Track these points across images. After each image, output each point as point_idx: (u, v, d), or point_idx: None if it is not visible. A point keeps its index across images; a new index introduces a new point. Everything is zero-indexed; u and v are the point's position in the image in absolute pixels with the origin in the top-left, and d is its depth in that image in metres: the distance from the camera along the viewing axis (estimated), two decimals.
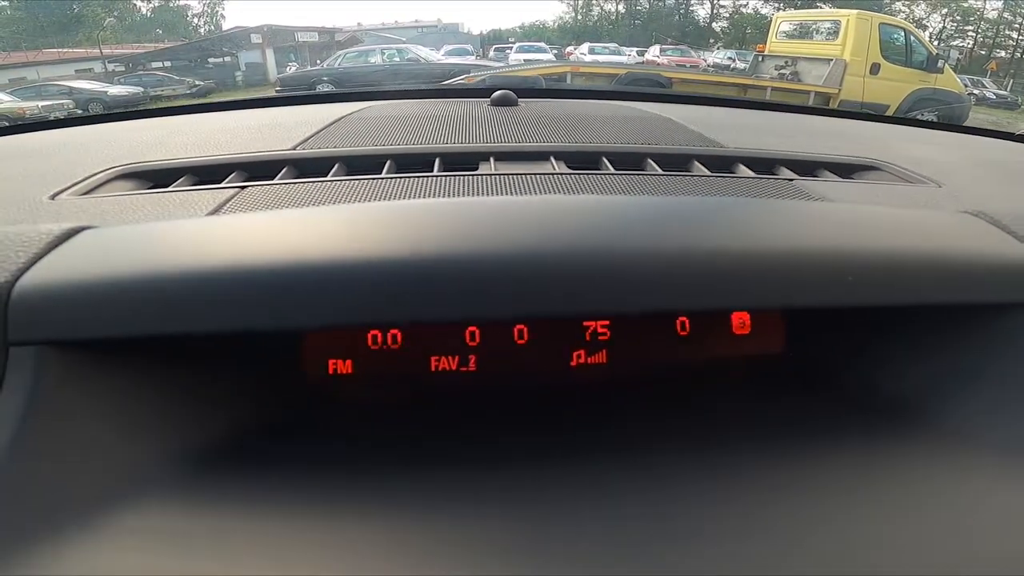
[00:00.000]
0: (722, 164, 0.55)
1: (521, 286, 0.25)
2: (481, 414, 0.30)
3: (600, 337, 0.33)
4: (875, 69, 5.97)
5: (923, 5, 22.17)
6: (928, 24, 21.91)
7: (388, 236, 0.26)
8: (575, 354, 0.33)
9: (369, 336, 0.32)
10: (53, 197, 0.44)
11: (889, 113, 5.04)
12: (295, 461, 0.26)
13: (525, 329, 0.33)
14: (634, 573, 0.20)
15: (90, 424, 0.24)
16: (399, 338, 0.33)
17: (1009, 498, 0.24)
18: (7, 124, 0.85)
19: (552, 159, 0.53)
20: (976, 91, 11.84)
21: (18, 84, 11.37)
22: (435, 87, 0.95)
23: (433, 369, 0.33)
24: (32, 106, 8.29)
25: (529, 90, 0.92)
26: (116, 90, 10.56)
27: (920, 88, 6.10)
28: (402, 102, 0.85)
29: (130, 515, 0.22)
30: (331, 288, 0.24)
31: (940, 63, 6.31)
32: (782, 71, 6.44)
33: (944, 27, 22.29)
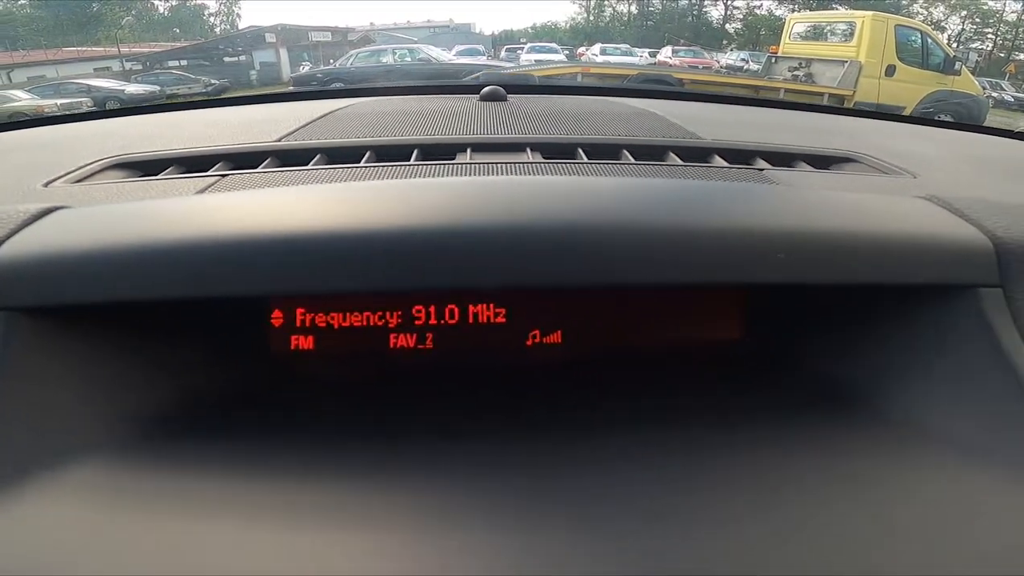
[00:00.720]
0: (697, 155, 0.55)
1: (474, 258, 0.26)
2: (436, 391, 0.31)
3: (555, 317, 0.34)
4: (891, 71, 5.89)
5: (941, 7, 21.84)
6: (947, 26, 21.58)
7: (347, 209, 0.28)
8: (531, 334, 0.34)
9: (331, 314, 0.34)
10: (46, 185, 0.46)
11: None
12: (250, 431, 0.27)
13: (482, 308, 0.34)
14: (584, 547, 0.20)
15: (51, 387, 0.26)
16: (359, 316, 0.34)
17: (958, 484, 0.24)
18: (18, 120, 0.88)
19: (528, 150, 0.54)
20: (995, 94, 11.62)
21: (38, 82, 11.58)
22: (426, 83, 0.96)
23: (392, 346, 0.34)
24: (51, 104, 8.43)
25: (521, 86, 0.92)
26: (133, 88, 10.71)
27: (937, 90, 6.01)
28: (393, 98, 0.86)
29: (79, 473, 0.23)
30: (286, 257, 0.25)
31: (957, 65, 6.21)
32: (795, 72, 6.38)
33: (963, 29, 21.92)
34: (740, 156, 0.55)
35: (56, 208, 0.31)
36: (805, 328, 0.34)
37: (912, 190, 0.47)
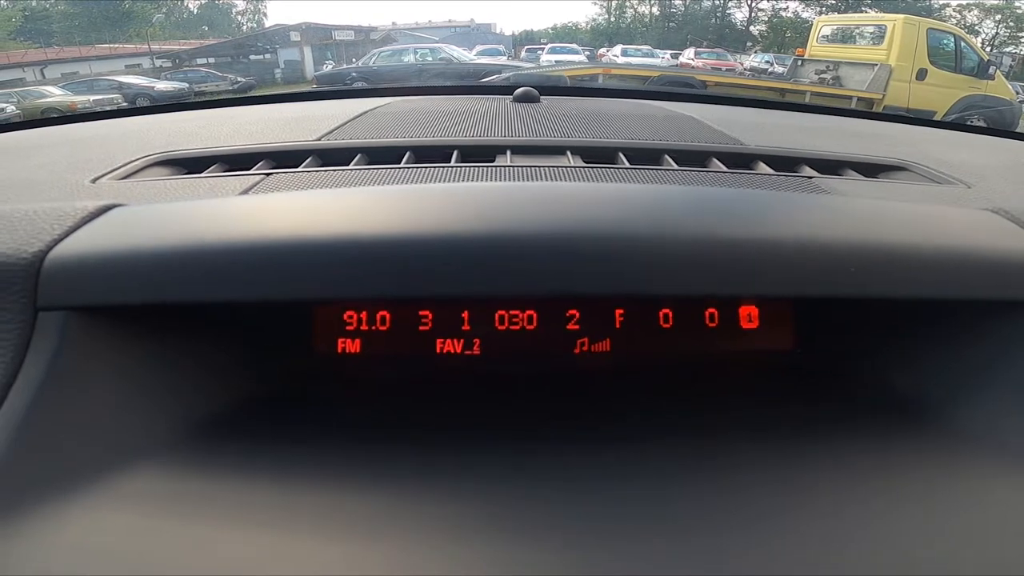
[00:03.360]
0: (741, 161, 0.54)
1: (528, 264, 0.25)
2: (482, 397, 0.31)
3: (604, 325, 0.34)
4: (922, 75, 5.75)
5: (975, 11, 21.27)
6: (980, 30, 20.99)
7: (394, 215, 0.27)
8: (579, 341, 0.34)
9: (378, 317, 0.33)
10: (94, 181, 0.47)
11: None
12: (297, 434, 0.27)
13: (530, 315, 0.33)
14: (628, 558, 0.20)
15: (106, 388, 0.26)
16: (407, 320, 0.34)
17: (1018, 501, 0.23)
18: (58, 115, 0.90)
19: (568, 153, 0.54)
20: None
21: (71, 78, 11.92)
22: (459, 84, 0.96)
23: (438, 352, 0.33)
24: (83, 100, 8.66)
25: (553, 88, 0.92)
26: (162, 85, 10.95)
27: (969, 95, 5.85)
28: (426, 98, 0.86)
29: (132, 478, 0.23)
30: (339, 262, 0.25)
31: (991, 69, 6.04)
32: (823, 75, 6.26)
33: (997, 33, 21.32)
34: (786, 163, 0.54)
35: (112, 206, 0.31)
36: (858, 341, 0.33)
37: (969, 201, 0.45)
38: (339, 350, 0.33)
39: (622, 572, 0.20)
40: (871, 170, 0.55)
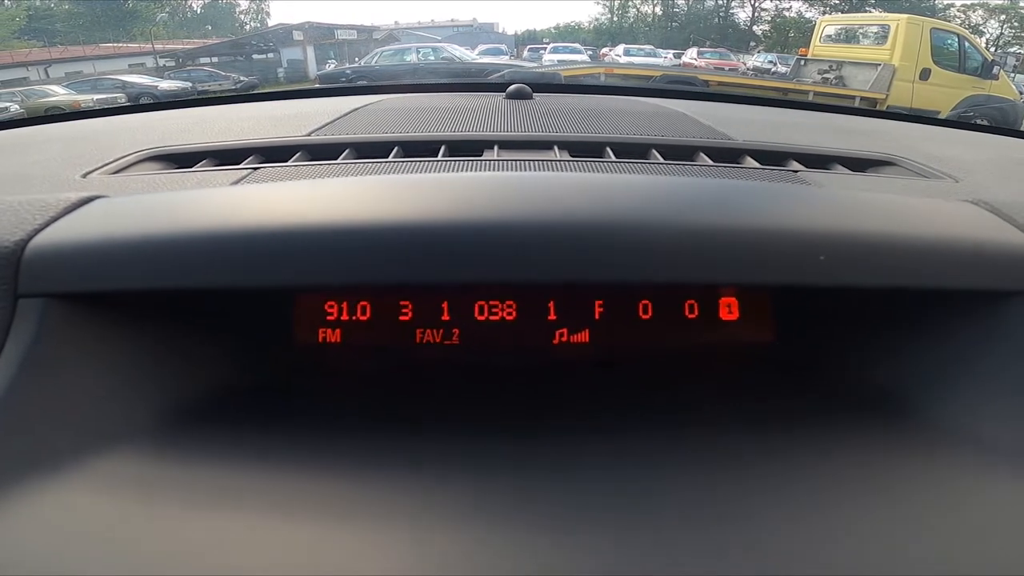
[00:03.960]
0: (729, 156, 0.54)
1: (505, 252, 0.25)
2: (462, 387, 0.31)
3: (583, 317, 0.34)
4: (925, 74, 5.72)
5: (980, 11, 21.17)
6: (985, 30, 20.89)
7: (375, 203, 0.28)
8: (558, 332, 0.34)
9: (358, 307, 0.34)
10: (85, 176, 0.47)
11: None
12: (277, 423, 0.28)
13: (509, 305, 0.33)
14: (607, 549, 0.20)
15: (85, 375, 0.26)
16: (387, 310, 0.34)
17: (996, 495, 0.23)
18: (55, 113, 0.91)
19: (555, 147, 0.54)
20: None
21: (75, 78, 11.95)
22: (452, 82, 0.96)
23: (418, 341, 0.34)
24: (87, 99, 8.68)
25: (547, 85, 0.92)
26: (166, 85, 10.97)
27: (973, 95, 5.83)
28: (419, 95, 0.86)
29: (110, 463, 0.23)
30: (320, 248, 0.25)
31: (995, 69, 6.01)
32: (825, 75, 6.23)
33: (1001, 33, 21.21)
34: (773, 157, 0.54)
35: (95, 197, 0.31)
36: (843, 333, 0.33)
37: (955, 194, 0.45)
38: (319, 340, 0.34)
39: (600, 562, 0.20)
40: (859, 165, 0.55)
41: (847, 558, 0.20)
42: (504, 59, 10.33)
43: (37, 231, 0.27)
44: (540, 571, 0.19)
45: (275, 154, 0.53)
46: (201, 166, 0.51)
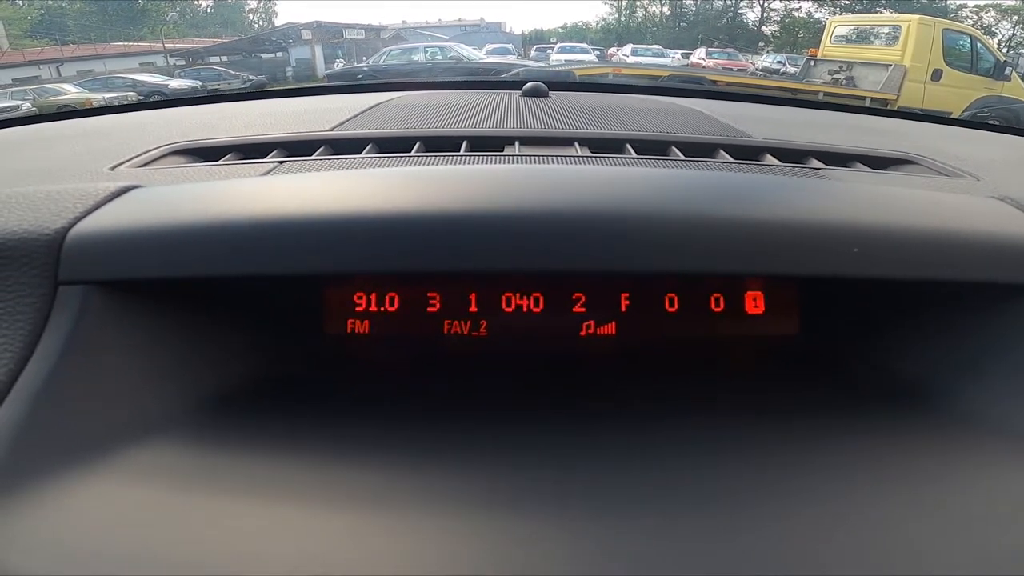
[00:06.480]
0: (749, 153, 0.54)
1: (533, 241, 0.26)
2: (489, 378, 0.32)
3: (610, 309, 0.34)
4: (937, 75, 5.67)
5: (992, 12, 20.95)
6: (997, 31, 20.67)
7: (405, 193, 0.28)
8: (585, 324, 0.34)
9: (387, 298, 0.34)
10: (113, 168, 0.48)
11: None
12: (308, 412, 0.28)
13: (536, 297, 0.34)
14: (630, 534, 0.21)
15: (122, 362, 0.26)
16: (415, 302, 0.34)
17: (1020, 488, 0.23)
18: (77, 109, 0.92)
19: (576, 144, 0.54)
20: None
21: (86, 76, 12.05)
22: (469, 79, 0.97)
23: (445, 332, 0.34)
24: (98, 98, 8.76)
25: (561, 83, 0.92)
26: (176, 83, 11.03)
27: (985, 96, 5.77)
28: (435, 92, 0.87)
29: (146, 451, 0.24)
30: (352, 236, 0.26)
31: (1008, 70, 5.95)
32: (836, 76, 6.19)
33: (1014, 34, 20.98)
34: (793, 155, 0.54)
35: (132, 187, 0.32)
36: (869, 325, 0.33)
37: (977, 192, 0.45)
38: (348, 331, 0.34)
39: (625, 548, 0.20)
40: (879, 163, 0.55)
41: (872, 548, 0.20)
42: (512, 59, 10.32)
43: (78, 219, 0.28)
44: (574, 555, 0.20)
45: (299, 148, 0.54)
46: (227, 159, 0.52)
